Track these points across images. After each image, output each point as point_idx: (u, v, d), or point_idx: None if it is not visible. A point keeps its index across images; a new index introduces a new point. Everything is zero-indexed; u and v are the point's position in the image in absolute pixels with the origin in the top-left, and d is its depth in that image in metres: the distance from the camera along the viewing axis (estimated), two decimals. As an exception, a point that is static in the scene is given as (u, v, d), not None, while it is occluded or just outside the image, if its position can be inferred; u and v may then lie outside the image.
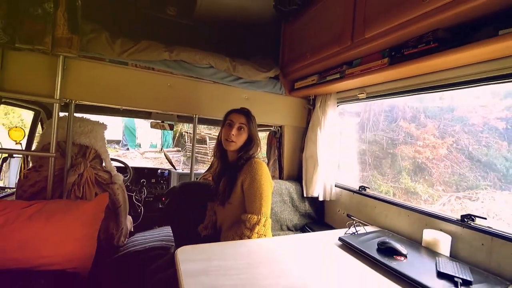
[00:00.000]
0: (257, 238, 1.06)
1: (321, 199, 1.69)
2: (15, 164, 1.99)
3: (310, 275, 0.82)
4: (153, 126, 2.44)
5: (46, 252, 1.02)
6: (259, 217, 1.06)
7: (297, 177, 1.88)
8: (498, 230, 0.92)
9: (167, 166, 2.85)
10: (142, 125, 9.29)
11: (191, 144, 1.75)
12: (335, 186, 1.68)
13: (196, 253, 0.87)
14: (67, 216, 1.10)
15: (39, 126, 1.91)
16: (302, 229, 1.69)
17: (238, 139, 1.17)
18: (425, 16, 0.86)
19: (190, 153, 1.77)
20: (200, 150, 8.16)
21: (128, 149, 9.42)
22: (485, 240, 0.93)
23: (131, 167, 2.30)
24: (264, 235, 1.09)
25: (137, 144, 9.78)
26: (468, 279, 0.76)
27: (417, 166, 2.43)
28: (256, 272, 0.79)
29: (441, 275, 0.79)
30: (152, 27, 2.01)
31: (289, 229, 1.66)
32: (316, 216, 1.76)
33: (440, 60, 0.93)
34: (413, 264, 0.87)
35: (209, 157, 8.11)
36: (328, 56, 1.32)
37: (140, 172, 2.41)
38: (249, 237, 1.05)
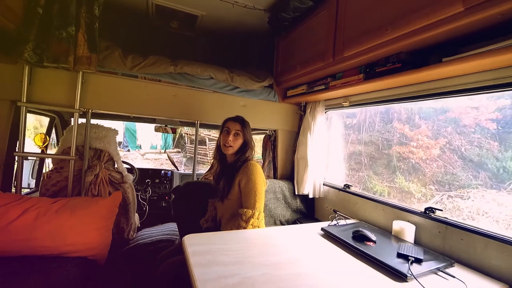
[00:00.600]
0: (251, 229, 1.24)
1: (311, 196, 1.87)
2: (27, 166, 2.16)
3: (295, 256, 0.99)
4: (157, 129, 2.61)
5: (71, 241, 1.20)
6: (253, 211, 1.24)
7: (290, 176, 2.06)
8: (451, 220, 1.10)
9: (167, 166, 3.01)
10: (142, 127, 9.46)
11: (193, 147, 1.93)
12: (323, 184, 1.87)
13: (200, 239, 1.05)
14: (87, 211, 1.28)
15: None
16: (293, 223, 1.87)
17: (235, 144, 1.35)
18: (389, 42, 1.04)
19: (190, 154, 1.94)
20: (200, 151, 8.32)
21: (129, 150, 9.57)
22: (441, 228, 1.11)
23: (137, 168, 2.47)
24: (258, 226, 1.26)
25: (137, 145, 9.93)
26: (420, 257, 0.94)
27: (411, 166, 2.50)
28: (251, 252, 0.97)
29: (399, 256, 0.97)
30: (159, 38, 2.19)
31: (281, 223, 1.83)
32: (307, 211, 1.94)
33: (404, 78, 1.11)
34: (380, 248, 1.05)
35: (208, 158, 8.28)
36: (314, 70, 1.50)
37: (145, 172, 2.58)
38: (244, 228, 1.23)
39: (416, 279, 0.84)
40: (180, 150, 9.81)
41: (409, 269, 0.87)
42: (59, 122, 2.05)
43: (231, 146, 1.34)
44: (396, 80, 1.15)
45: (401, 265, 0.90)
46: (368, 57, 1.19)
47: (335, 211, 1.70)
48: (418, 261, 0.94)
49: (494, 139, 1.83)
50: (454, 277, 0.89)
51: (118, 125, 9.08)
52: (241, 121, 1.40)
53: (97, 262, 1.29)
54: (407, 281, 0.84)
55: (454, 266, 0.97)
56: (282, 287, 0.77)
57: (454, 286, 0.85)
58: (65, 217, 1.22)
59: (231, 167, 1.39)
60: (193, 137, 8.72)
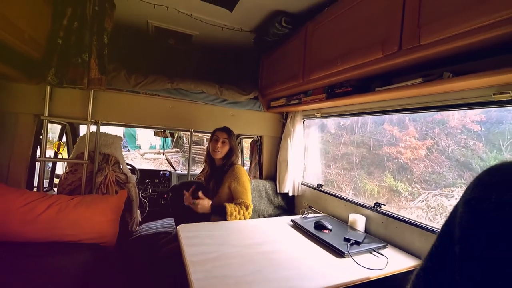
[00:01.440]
0: (240, 219, 1.51)
1: (290, 194, 2.15)
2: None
3: (265, 240, 1.27)
4: (156, 134, 2.88)
5: (87, 230, 1.47)
6: (249, 203, 1.55)
7: (274, 177, 2.34)
8: (391, 212, 1.38)
9: (166, 166, 3.28)
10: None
11: (189, 148, 2.21)
12: (301, 184, 2.15)
13: (191, 227, 1.33)
14: (99, 206, 1.55)
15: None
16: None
17: (222, 150, 1.63)
18: (341, 72, 1.31)
19: (188, 154, 2.21)
20: (198, 151, 8.58)
21: (128, 150, 9.81)
22: (384, 219, 1.40)
23: (138, 169, 2.74)
24: (248, 215, 1.55)
25: (137, 145, 10.19)
26: (359, 241, 1.23)
27: (400, 166, 2.63)
28: (230, 237, 1.25)
29: (345, 239, 1.25)
30: (158, 52, 2.46)
31: (265, 218, 2.11)
32: (287, 207, 2.22)
33: (354, 99, 1.39)
34: (333, 235, 1.34)
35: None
36: (290, 87, 1.78)
37: (145, 173, 2.85)
38: (244, 214, 1.51)
39: (351, 256, 1.12)
40: (178, 150, 10.06)
41: (348, 248, 1.15)
42: (69, 128, 2.32)
43: (219, 151, 1.62)
44: (348, 100, 1.43)
45: (342, 246, 1.18)
46: (328, 81, 1.46)
47: (310, 207, 1.98)
48: (358, 243, 1.22)
49: (480, 140, 1.93)
50: (382, 255, 1.17)
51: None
52: (227, 131, 1.67)
53: (107, 248, 1.57)
54: (344, 257, 1.13)
55: (387, 247, 1.25)
56: (248, 260, 1.05)
57: (379, 261, 1.13)
58: (81, 211, 1.49)
59: (219, 169, 1.67)
60: (193, 138, 8.99)
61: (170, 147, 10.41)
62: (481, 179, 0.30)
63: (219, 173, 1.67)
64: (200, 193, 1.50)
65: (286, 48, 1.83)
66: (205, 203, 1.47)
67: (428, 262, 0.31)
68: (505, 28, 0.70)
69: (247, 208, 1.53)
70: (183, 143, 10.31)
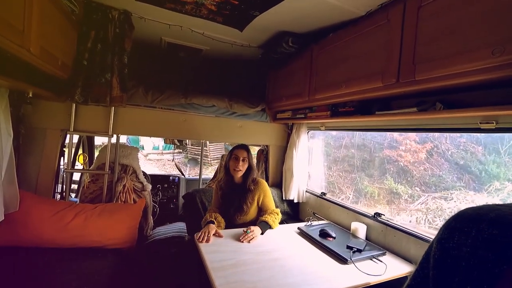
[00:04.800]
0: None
1: (295, 201, 2.28)
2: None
3: (274, 248, 1.40)
4: (166, 141, 3.01)
5: (111, 235, 1.61)
6: (278, 210, 1.74)
7: (279, 184, 2.47)
8: (390, 222, 1.51)
9: (169, 167, 3.40)
10: (145, 129, 9.77)
11: (194, 148, 2.35)
12: (306, 191, 2.28)
13: (207, 235, 1.46)
14: (121, 213, 1.69)
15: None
16: (281, 223, 2.26)
17: (243, 168, 1.73)
18: (345, 94, 1.44)
19: (191, 155, 2.34)
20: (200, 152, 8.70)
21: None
22: (383, 228, 1.53)
23: (149, 174, 2.88)
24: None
25: (140, 146, 10.32)
26: (361, 248, 1.36)
27: (400, 168, 2.69)
28: (245, 244, 1.38)
29: (347, 247, 1.38)
30: (170, 65, 2.59)
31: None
32: (292, 213, 2.35)
33: (356, 119, 1.52)
34: (337, 242, 1.47)
35: (209, 159, 8.69)
36: (295, 103, 1.90)
37: (156, 178, 2.99)
38: (279, 219, 1.72)
39: (353, 263, 1.25)
40: (181, 151, 10.20)
41: (350, 255, 1.29)
42: (86, 138, 2.45)
43: (240, 170, 1.71)
44: (351, 119, 1.55)
45: (346, 253, 1.31)
46: (332, 101, 1.59)
47: (314, 214, 2.12)
48: (359, 251, 1.35)
49: (479, 144, 1.98)
50: (381, 261, 1.30)
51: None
52: (247, 149, 1.76)
53: (129, 252, 1.71)
54: (347, 264, 1.26)
55: (386, 254, 1.39)
56: (261, 266, 1.18)
57: (378, 267, 1.26)
58: (105, 219, 1.62)
59: (241, 187, 1.74)
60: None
61: (173, 148, 10.56)
62: (449, 223, 0.43)
63: (242, 191, 1.73)
64: (251, 227, 1.52)
65: (292, 66, 1.95)
66: (257, 231, 1.52)
67: (412, 281, 0.44)
68: (486, 75, 0.83)
69: (278, 213, 1.73)
70: (186, 144, 10.48)
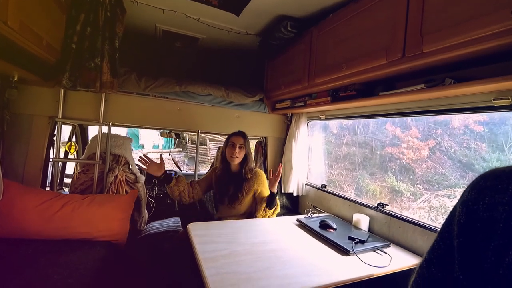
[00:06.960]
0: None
1: (295, 194, 2.19)
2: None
3: (271, 239, 1.32)
4: (162, 134, 2.94)
5: (99, 228, 1.53)
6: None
7: (278, 177, 2.38)
8: (394, 212, 1.43)
9: (169, 166, 3.33)
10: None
11: (194, 147, 2.26)
12: (306, 184, 2.19)
13: (201, 226, 1.38)
14: (111, 205, 1.61)
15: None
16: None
17: (240, 155, 1.65)
18: (346, 76, 1.36)
19: (191, 154, 2.25)
20: (201, 151, 8.65)
21: (132, 150, 9.89)
22: (387, 219, 1.44)
23: (145, 169, 2.80)
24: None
25: (140, 145, 10.27)
26: (363, 239, 1.27)
27: (402, 166, 2.64)
28: (238, 236, 1.30)
29: (349, 238, 1.30)
30: (165, 55, 2.51)
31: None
32: (292, 207, 2.27)
33: (358, 103, 1.44)
34: (338, 234, 1.38)
35: (209, 158, 8.62)
36: (295, 90, 1.82)
37: (152, 173, 2.91)
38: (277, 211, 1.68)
39: (356, 254, 1.16)
40: (181, 149, 10.14)
41: (352, 246, 1.20)
42: (79, 129, 2.38)
43: (237, 157, 1.63)
44: (353, 104, 1.47)
45: (347, 244, 1.23)
46: (333, 85, 1.51)
47: (314, 207, 2.03)
48: (362, 242, 1.27)
49: (482, 141, 1.94)
50: (386, 253, 1.22)
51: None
52: (243, 135, 1.69)
53: (119, 245, 1.62)
54: (349, 255, 1.17)
55: (390, 246, 1.30)
56: (257, 257, 1.10)
57: (383, 259, 1.17)
58: (94, 210, 1.54)
59: (238, 176, 1.67)
60: (194, 137, 9.06)
61: (173, 147, 10.50)
62: (476, 183, 0.34)
63: (239, 180, 1.67)
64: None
65: (291, 52, 1.87)
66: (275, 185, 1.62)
67: (430, 254, 0.36)
68: (504, 39, 0.75)
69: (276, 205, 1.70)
70: (186, 143, 10.40)
